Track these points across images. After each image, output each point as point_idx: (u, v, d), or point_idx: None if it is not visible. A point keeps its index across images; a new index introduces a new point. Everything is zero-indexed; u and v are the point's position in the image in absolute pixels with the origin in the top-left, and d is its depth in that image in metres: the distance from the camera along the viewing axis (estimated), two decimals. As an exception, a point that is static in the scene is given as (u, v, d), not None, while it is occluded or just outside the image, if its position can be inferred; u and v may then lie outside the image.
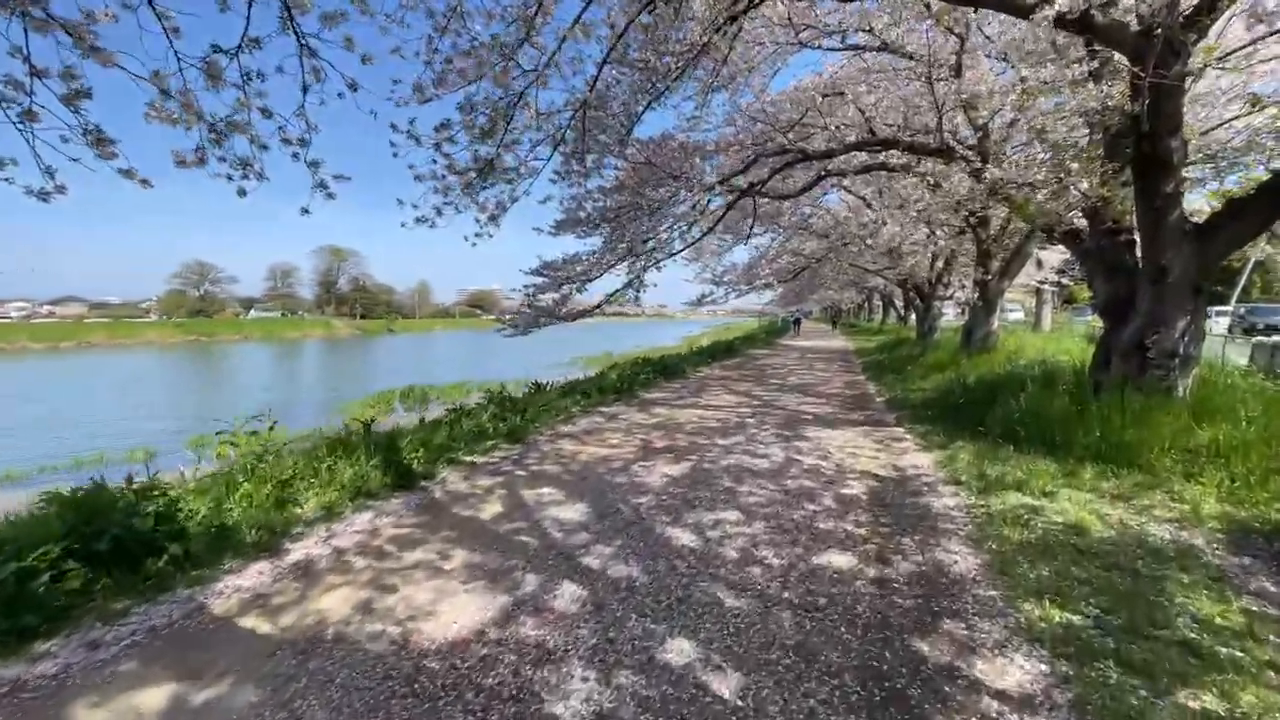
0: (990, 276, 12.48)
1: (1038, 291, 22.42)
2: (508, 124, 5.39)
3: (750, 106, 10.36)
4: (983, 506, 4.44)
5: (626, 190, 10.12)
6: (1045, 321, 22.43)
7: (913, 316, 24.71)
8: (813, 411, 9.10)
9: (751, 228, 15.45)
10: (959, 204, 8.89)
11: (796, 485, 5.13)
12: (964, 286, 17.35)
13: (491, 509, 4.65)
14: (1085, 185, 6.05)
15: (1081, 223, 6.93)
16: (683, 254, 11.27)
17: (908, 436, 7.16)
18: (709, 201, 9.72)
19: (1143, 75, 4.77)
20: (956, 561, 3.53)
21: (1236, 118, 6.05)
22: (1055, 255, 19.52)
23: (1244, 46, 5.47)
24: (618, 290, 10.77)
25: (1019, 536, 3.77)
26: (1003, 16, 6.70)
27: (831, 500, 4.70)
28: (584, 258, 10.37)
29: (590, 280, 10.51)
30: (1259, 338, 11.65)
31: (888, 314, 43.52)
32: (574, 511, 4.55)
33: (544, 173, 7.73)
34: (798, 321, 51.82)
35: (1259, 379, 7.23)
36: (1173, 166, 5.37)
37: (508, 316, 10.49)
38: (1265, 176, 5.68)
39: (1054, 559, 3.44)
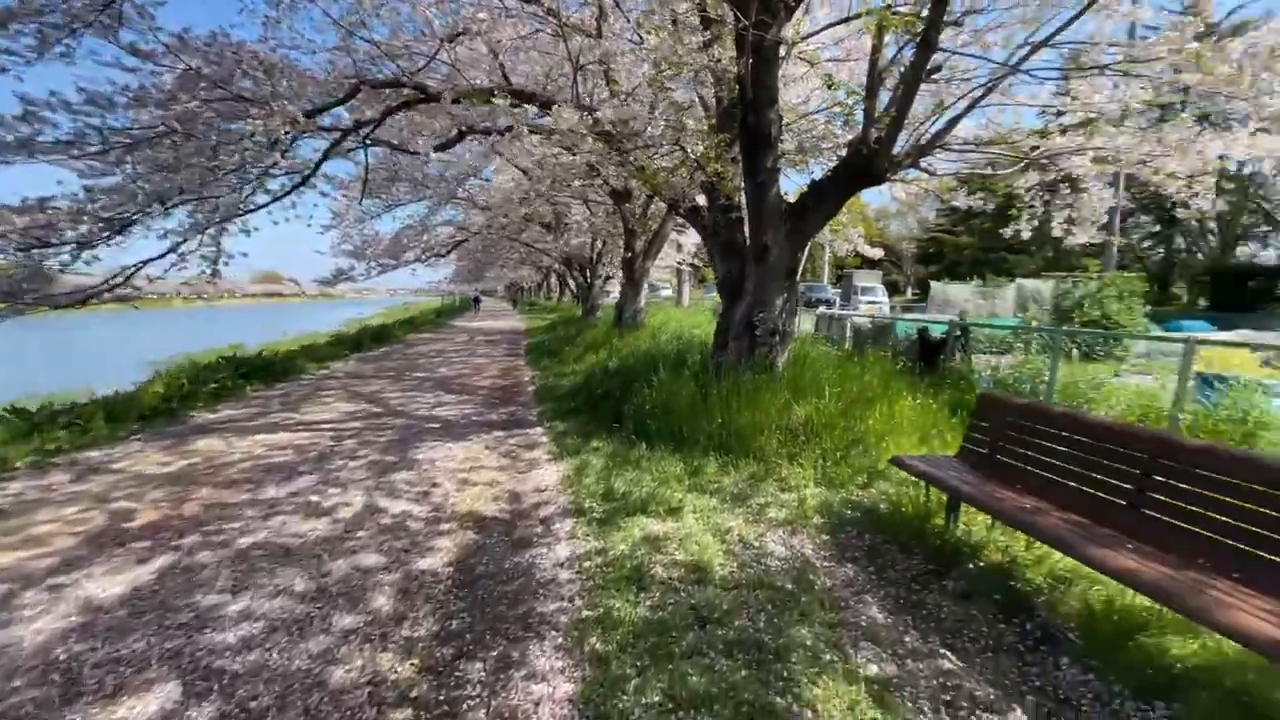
0: (636, 256, 12.73)
1: (678, 271, 25.59)
2: None
3: (349, 19, 7.68)
4: (600, 554, 3.31)
5: (171, 111, 6.41)
6: (685, 298, 25.92)
7: (621, 296, 25.62)
8: (446, 416, 7.33)
9: (394, 192, 12.79)
10: (592, 168, 8.17)
11: (348, 569, 3.22)
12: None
13: None
14: (699, 151, 5.67)
15: (703, 200, 6.75)
16: (300, 217, 8.08)
17: (544, 439, 6.01)
18: (292, 140, 6.83)
19: (747, 27, 4.28)
20: (538, 704, 2.16)
21: (823, 109, 6.52)
22: (692, 239, 22.32)
23: (826, 27, 5.70)
24: (162, 257, 7.08)
25: (630, 615, 2.66)
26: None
27: (390, 596, 2.95)
28: (78, 205, 6.27)
29: (96, 243, 6.49)
30: (820, 309, 14.76)
31: (564, 293, 45.28)
32: None
33: None
34: (477, 300, 49.97)
35: (829, 347, 8.44)
36: (771, 141, 5.23)
37: None
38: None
39: (669, 654, 2.37)
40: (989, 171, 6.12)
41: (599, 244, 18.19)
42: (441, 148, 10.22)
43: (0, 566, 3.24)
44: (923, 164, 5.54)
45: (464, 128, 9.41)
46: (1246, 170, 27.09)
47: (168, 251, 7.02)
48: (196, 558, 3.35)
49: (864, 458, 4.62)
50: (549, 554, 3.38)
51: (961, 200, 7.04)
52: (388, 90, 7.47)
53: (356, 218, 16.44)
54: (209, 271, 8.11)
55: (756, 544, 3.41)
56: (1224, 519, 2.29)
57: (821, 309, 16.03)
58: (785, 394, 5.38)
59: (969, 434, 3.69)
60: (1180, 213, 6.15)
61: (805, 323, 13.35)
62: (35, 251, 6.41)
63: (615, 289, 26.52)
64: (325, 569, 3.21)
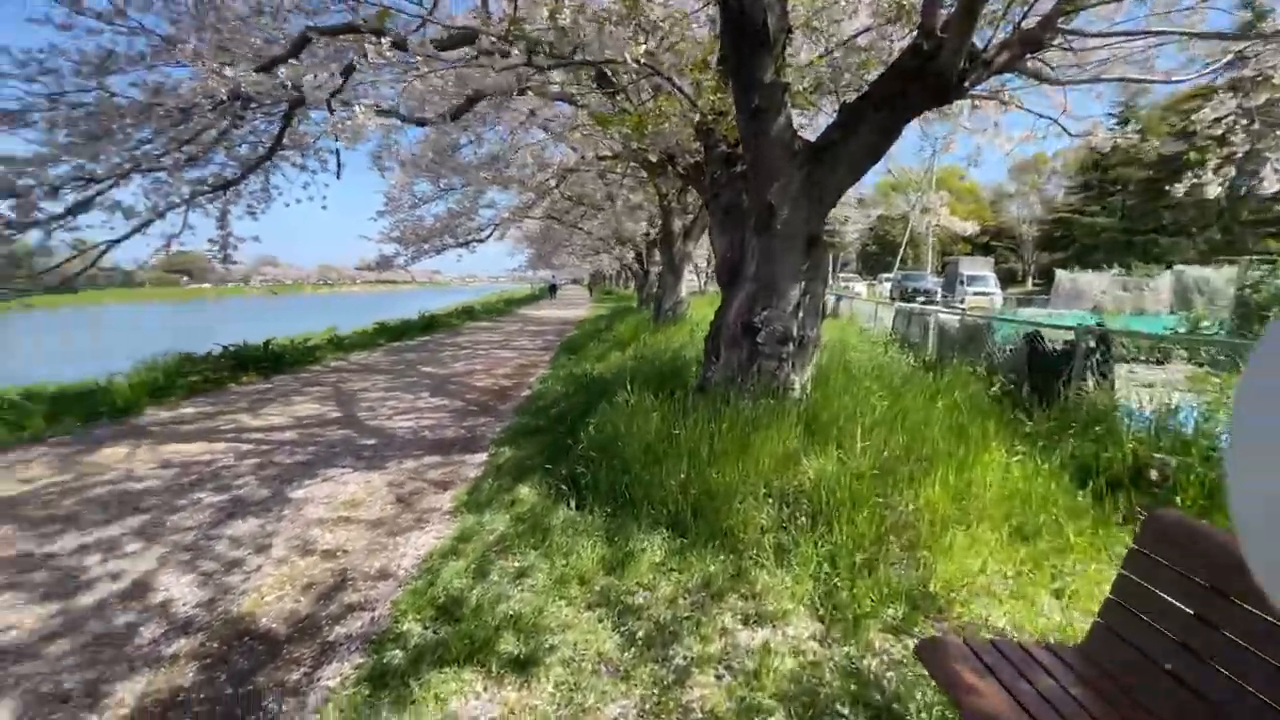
0: (674, 237, 10.94)
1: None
2: None
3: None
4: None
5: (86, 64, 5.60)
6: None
7: (658, 285, 23.78)
8: (396, 429, 6.05)
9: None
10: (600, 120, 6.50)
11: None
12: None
13: None
14: (688, 71, 3.85)
15: (700, 151, 4.90)
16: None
17: (470, 475, 4.51)
18: (243, 105, 5.79)
19: None
20: None
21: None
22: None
23: None
24: (128, 236, 6.35)
25: None
26: None
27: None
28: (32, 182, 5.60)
29: (57, 221, 5.83)
30: (900, 303, 12.19)
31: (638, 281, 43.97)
32: None
33: None
34: (553, 288, 50.14)
35: (904, 354, 6.27)
36: (769, 38, 3.30)
37: None
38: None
39: None
40: (1149, 79, 3.78)
41: (652, 229, 16.52)
42: (455, 116, 8.98)
43: None
44: (1032, 65, 3.37)
45: (472, 92, 7.99)
46: None
47: (133, 231, 6.23)
48: None
49: (908, 568, 2.68)
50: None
51: (1103, 140, 4.64)
52: (346, 38, 6.06)
53: (410, 204, 15.90)
54: (219, 254, 7.36)
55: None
56: None
57: (918, 302, 13.32)
58: (795, 436, 3.49)
59: (1118, 597, 1.68)
60: None
61: (883, 318, 10.93)
62: (8, 233, 5.74)
63: (694, 278, 24.47)
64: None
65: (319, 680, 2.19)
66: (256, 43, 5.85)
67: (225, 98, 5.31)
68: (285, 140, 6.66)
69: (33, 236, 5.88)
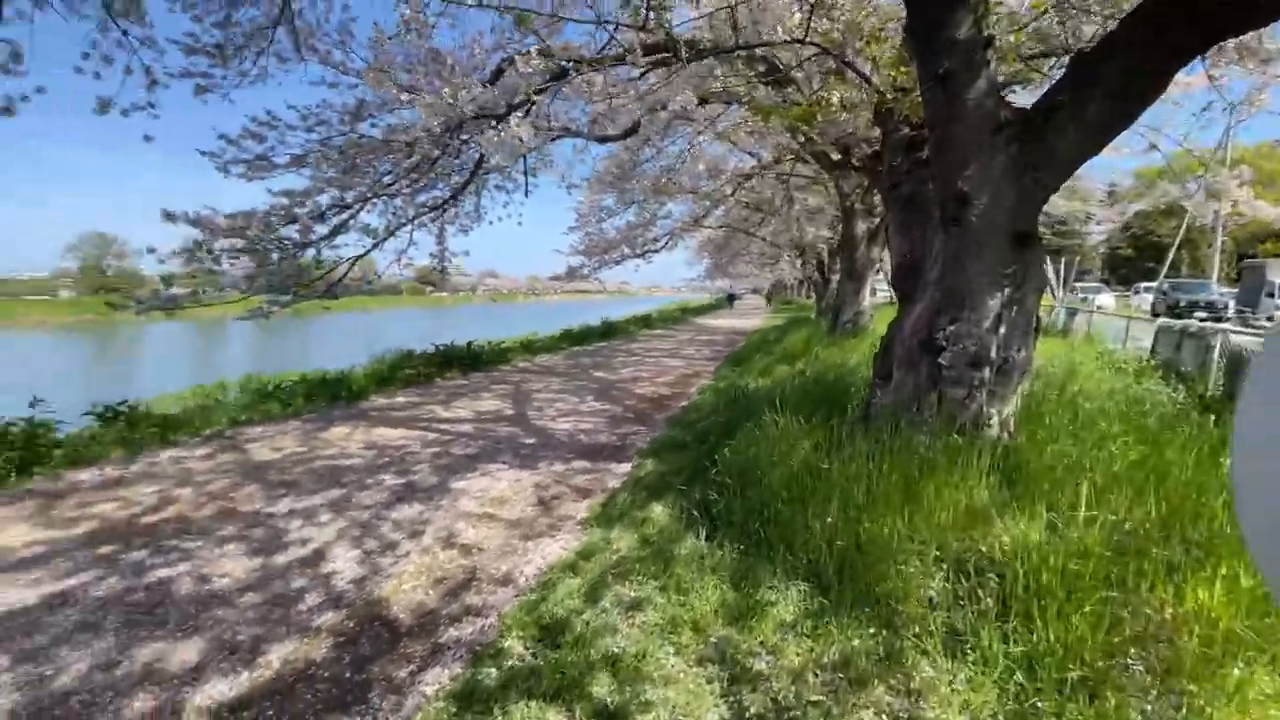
0: (857, 241, 9.92)
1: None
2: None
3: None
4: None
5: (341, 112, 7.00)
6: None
7: (837, 294, 22.15)
8: (556, 430, 6.32)
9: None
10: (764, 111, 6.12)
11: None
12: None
13: None
14: (863, 51, 3.32)
15: (878, 140, 4.22)
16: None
17: (610, 485, 4.43)
18: (452, 133, 6.71)
19: None
20: None
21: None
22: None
23: None
24: (365, 254, 7.74)
25: None
26: None
27: None
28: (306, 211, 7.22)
29: (323, 240, 7.41)
30: (1163, 320, 9.45)
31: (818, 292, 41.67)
32: None
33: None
34: (732, 298, 49.82)
35: (1170, 389, 4.78)
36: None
37: (141, 297, 7.29)
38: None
39: None
40: None
41: (835, 234, 15.37)
42: (629, 133, 9.35)
43: None
44: None
45: (655, 104, 8.22)
46: None
47: (371, 248, 7.54)
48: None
49: (1161, 707, 1.83)
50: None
51: None
52: (538, 62, 6.58)
53: (598, 220, 17.07)
54: (438, 267, 8.75)
55: None
56: None
57: (1195, 319, 10.33)
58: (987, 487, 2.73)
59: None
60: None
61: (1139, 337, 8.64)
62: (292, 250, 7.36)
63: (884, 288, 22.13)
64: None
65: (420, 684, 2.20)
66: (472, 82, 6.61)
67: (439, 130, 6.07)
68: (485, 165, 7.50)
69: (308, 253, 7.32)
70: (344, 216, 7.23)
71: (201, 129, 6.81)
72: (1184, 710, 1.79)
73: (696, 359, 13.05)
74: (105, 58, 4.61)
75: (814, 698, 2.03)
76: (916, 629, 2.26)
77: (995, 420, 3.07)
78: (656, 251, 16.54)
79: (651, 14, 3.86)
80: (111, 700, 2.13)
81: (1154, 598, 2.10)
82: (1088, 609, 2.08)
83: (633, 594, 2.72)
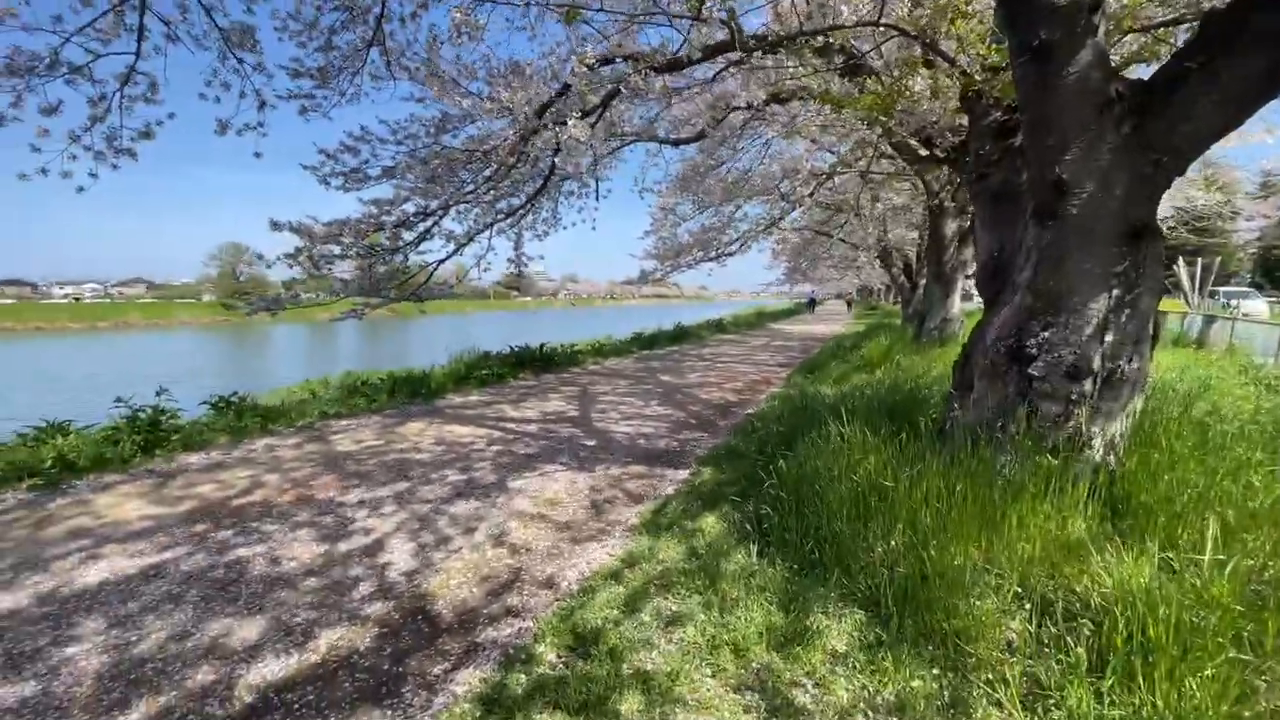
0: (946, 242, 9.20)
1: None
2: None
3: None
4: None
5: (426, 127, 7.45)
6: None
7: (923, 299, 20.76)
8: (617, 433, 6.29)
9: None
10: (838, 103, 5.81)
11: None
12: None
13: None
14: (946, 30, 3.03)
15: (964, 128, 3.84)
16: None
17: (666, 491, 4.31)
18: (524, 140, 6.95)
19: None
20: None
21: None
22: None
23: None
24: (447, 259, 8.17)
25: None
26: None
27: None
28: (399, 211, 7.77)
29: (409, 245, 7.94)
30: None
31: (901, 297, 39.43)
32: None
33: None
34: (812, 303, 48.11)
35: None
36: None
37: (249, 299, 8.03)
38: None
39: None
40: None
41: (922, 237, 14.41)
42: (699, 136, 9.31)
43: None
44: None
45: (728, 106, 8.14)
46: None
47: (451, 254, 7.94)
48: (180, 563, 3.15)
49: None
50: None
51: None
52: (604, 70, 6.68)
53: (671, 223, 17.11)
54: (515, 271, 9.13)
55: None
56: None
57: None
58: (1085, 518, 2.37)
59: None
60: None
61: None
62: (382, 255, 7.90)
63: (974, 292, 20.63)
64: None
65: (451, 682, 2.20)
66: (547, 91, 6.77)
67: (515, 138, 6.27)
68: (556, 170, 7.67)
69: (395, 258, 7.77)
70: (428, 223, 7.60)
71: (304, 145, 7.36)
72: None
73: (769, 365, 12.64)
74: (224, 84, 5.10)
75: (859, 744, 1.82)
76: (989, 675, 1.98)
77: (1099, 441, 2.67)
78: (730, 255, 16.26)
79: (714, 4, 3.73)
80: (178, 670, 2.29)
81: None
82: (1209, 672, 1.72)
83: (674, 608, 2.59)
